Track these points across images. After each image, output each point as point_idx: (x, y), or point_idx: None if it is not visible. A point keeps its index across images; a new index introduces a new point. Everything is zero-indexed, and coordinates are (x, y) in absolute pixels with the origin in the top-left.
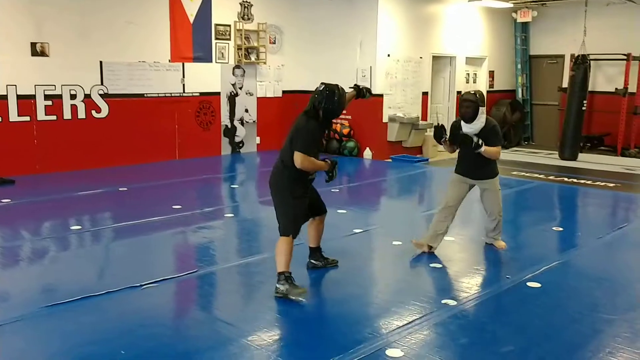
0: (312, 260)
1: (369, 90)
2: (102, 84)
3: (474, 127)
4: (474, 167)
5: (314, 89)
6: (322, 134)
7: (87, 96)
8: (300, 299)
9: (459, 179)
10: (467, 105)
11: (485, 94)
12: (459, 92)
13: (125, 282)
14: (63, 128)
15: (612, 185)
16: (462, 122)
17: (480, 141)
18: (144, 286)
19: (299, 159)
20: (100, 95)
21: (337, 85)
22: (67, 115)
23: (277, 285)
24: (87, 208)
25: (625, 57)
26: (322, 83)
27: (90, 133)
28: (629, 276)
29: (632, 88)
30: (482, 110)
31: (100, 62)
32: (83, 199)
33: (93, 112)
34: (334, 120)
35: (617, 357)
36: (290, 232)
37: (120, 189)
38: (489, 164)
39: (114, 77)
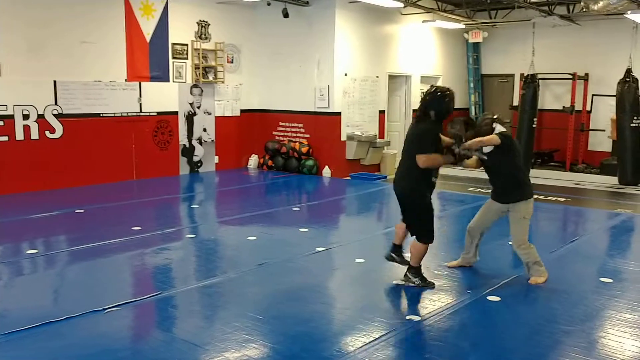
0: (393, 254)
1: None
2: (56, 103)
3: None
4: (496, 187)
5: (425, 92)
6: (439, 133)
7: (41, 116)
8: (430, 287)
9: (489, 202)
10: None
11: None
12: (414, 111)
13: (86, 306)
14: (15, 149)
15: (562, 199)
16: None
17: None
18: (106, 310)
19: (420, 159)
20: (54, 115)
21: (448, 88)
22: (19, 136)
23: (409, 276)
24: (42, 231)
25: (571, 77)
26: (432, 86)
27: (44, 154)
28: (583, 288)
29: (578, 106)
30: None
31: (55, 82)
32: (38, 222)
33: (47, 132)
34: (293, 139)
35: None
36: (431, 240)
37: (76, 210)
38: (512, 184)
39: (69, 96)
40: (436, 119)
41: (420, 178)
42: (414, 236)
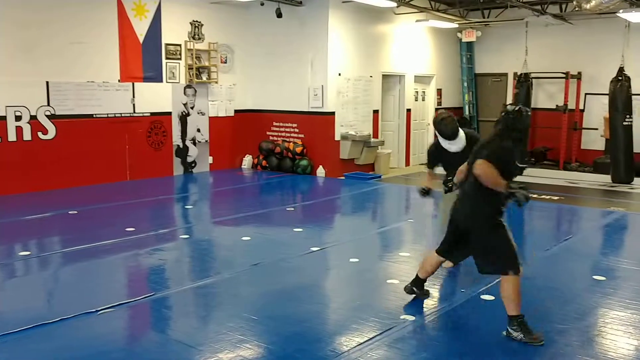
0: (415, 287)
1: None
2: (48, 104)
3: (460, 144)
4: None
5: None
6: (514, 157)
7: (33, 117)
8: (537, 344)
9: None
10: (450, 121)
11: (433, 111)
12: (408, 110)
13: (80, 308)
14: (8, 150)
15: (556, 198)
16: (447, 142)
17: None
18: (100, 312)
19: (482, 165)
20: (47, 116)
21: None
22: (12, 137)
23: (510, 331)
24: (35, 232)
25: (564, 76)
26: (510, 104)
27: (37, 155)
28: (577, 286)
29: (571, 105)
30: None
31: (47, 83)
32: (31, 223)
33: (40, 133)
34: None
35: None
36: (517, 268)
37: (70, 211)
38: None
39: (62, 97)
40: (517, 139)
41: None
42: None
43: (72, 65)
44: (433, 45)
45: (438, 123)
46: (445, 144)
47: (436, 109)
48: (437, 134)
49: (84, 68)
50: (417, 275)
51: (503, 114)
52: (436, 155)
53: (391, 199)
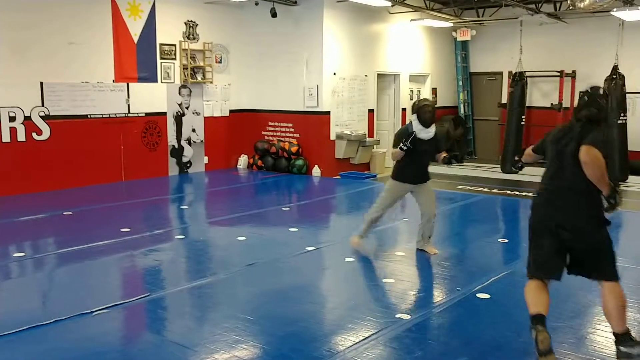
0: (541, 328)
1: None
2: (42, 105)
3: (431, 132)
4: (420, 173)
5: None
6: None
7: (27, 118)
8: None
9: (400, 185)
10: (432, 109)
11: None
12: (403, 109)
13: (74, 309)
14: (2, 151)
15: None
16: (420, 128)
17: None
18: (95, 313)
19: (592, 151)
20: (41, 116)
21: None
22: (5, 137)
23: (624, 350)
24: (29, 234)
25: (558, 74)
26: (593, 86)
27: (31, 156)
28: (571, 284)
29: (566, 103)
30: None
31: (41, 83)
32: (25, 225)
33: (34, 134)
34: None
35: None
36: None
37: (64, 213)
38: (428, 168)
39: (56, 98)
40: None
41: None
42: (606, 280)
43: (66, 65)
44: (428, 45)
45: (420, 108)
46: (422, 132)
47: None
48: (416, 119)
49: (78, 69)
50: (541, 314)
51: (594, 97)
52: (408, 140)
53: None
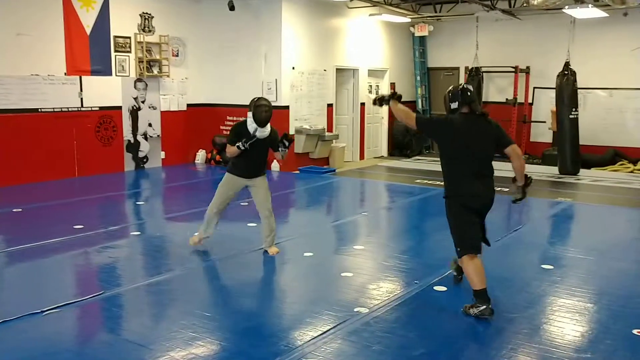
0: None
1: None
2: None
3: (266, 131)
4: (254, 167)
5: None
6: None
7: None
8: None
9: (234, 179)
10: (268, 109)
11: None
12: (362, 104)
13: (24, 309)
14: None
15: (506, 190)
16: (255, 127)
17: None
18: (45, 312)
19: (518, 148)
20: None
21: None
22: None
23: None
24: None
25: (513, 70)
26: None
27: None
28: (525, 275)
29: (520, 98)
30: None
31: None
32: None
33: None
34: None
35: (519, 353)
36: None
37: (14, 210)
38: (265, 162)
39: (4, 91)
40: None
41: None
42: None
43: (15, 58)
44: (386, 39)
45: (257, 107)
46: (258, 131)
47: None
48: (251, 117)
49: (28, 61)
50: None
51: (468, 93)
52: (248, 142)
53: (346, 192)
